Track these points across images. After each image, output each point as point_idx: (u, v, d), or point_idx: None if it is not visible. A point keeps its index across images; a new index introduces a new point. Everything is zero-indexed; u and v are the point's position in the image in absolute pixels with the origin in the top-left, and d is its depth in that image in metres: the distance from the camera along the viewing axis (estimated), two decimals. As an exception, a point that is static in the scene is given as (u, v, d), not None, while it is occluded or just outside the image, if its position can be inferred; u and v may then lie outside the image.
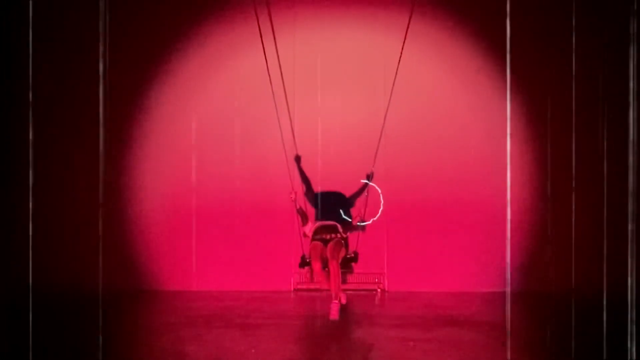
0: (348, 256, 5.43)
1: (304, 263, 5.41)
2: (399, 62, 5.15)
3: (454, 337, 4.70)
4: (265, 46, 4.89)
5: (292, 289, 6.43)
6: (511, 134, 6.40)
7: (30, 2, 4.97)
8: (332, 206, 5.50)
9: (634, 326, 4.39)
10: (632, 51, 4.66)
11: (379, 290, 6.38)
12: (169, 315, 5.48)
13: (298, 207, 5.52)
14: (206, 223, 6.50)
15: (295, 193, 5.45)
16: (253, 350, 4.29)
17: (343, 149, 6.45)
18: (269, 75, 5.08)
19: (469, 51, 6.45)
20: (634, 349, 4.19)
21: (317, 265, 5.12)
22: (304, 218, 5.58)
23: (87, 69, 6.45)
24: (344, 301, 5.46)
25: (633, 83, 4.74)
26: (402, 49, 5.13)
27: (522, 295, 6.21)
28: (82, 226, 6.35)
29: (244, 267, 6.46)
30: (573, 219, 6.19)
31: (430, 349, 4.34)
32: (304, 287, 6.40)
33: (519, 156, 6.41)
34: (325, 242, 5.29)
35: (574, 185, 6.25)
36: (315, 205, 5.55)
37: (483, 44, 6.40)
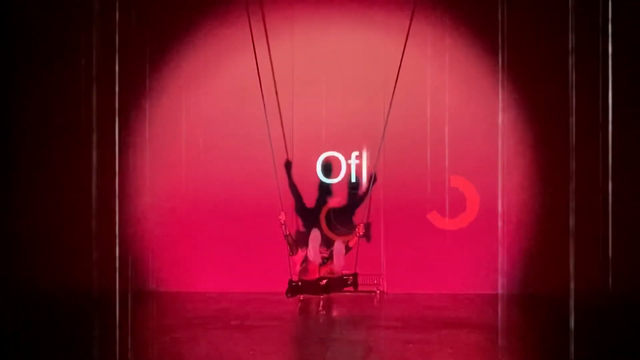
0: (345, 277, 5.30)
1: (293, 290, 5.12)
2: (400, 65, 5.09)
3: (453, 338, 4.68)
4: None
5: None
6: (509, 135, 6.39)
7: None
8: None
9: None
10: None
11: (377, 291, 6.35)
12: (166, 317, 5.46)
13: (287, 232, 5.18)
14: (203, 224, 6.47)
15: (285, 214, 5.20)
16: (251, 352, 4.27)
17: (343, 149, 6.43)
18: (259, 78, 5.03)
19: (469, 51, 6.43)
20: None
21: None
22: (294, 247, 5.23)
23: (84, 69, 6.45)
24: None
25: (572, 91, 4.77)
26: (404, 51, 5.07)
27: (521, 297, 6.20)
28: (79, 227, 6.32)
29: (241, 269, 6.43)
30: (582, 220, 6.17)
31: (429, 351, 4.32)
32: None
33: (519, 157, 6.39)
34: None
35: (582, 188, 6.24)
36: (307, 225, 5.34)
37: (481, 42, 6.39)
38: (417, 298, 6.15)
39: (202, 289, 6.42)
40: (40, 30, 6.31)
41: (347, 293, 6.30)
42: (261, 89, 5.03)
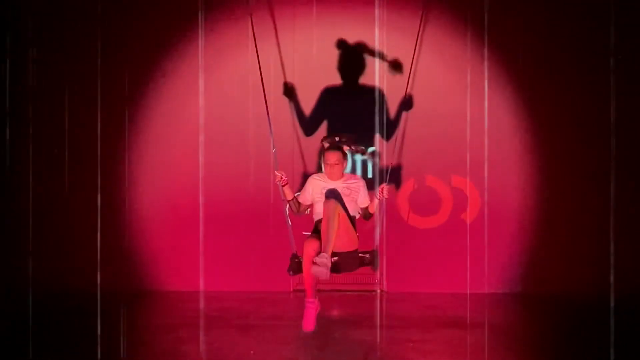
0: (361, 255, 4.37)
1: (296, 266, 4.36)
2: (411, 66, 5.05)
3: (454, 338, 4.68)
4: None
5: (291, 289, 6.41)
6: (511, 134, 6.39)
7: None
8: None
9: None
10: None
11: (378, 291, 6.36)
12: (167, 316, 5.46)
13: (291, 197, 4.56)
14: (204, 223, 6.46)
15: (283, 173, 4.46)
16: (252, 352, 4.27)
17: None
18: (261, 76, 5.00)
19: (472, 50, 6.42)
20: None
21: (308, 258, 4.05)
22: (302, 207, 4.61)
23: (85, 70, 6.45)
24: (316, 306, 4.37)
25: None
26: (415, 52, 5.01)
27: (521, 297, 6.20)
28: (80, 226, 6.32)
29: (242, 268, 6.43)
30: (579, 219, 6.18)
31: (429, 350, 4.33)
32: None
33: (519, 156, 6.39)
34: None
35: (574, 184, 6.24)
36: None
37: (484, 42, 6.38)
38: (418, 297, 6.15)
39: (202, 289, 6.42)
40: (40, 30, 6.30)
41: (348, 293, 6.32)
42: (263, 88, 5.00)
